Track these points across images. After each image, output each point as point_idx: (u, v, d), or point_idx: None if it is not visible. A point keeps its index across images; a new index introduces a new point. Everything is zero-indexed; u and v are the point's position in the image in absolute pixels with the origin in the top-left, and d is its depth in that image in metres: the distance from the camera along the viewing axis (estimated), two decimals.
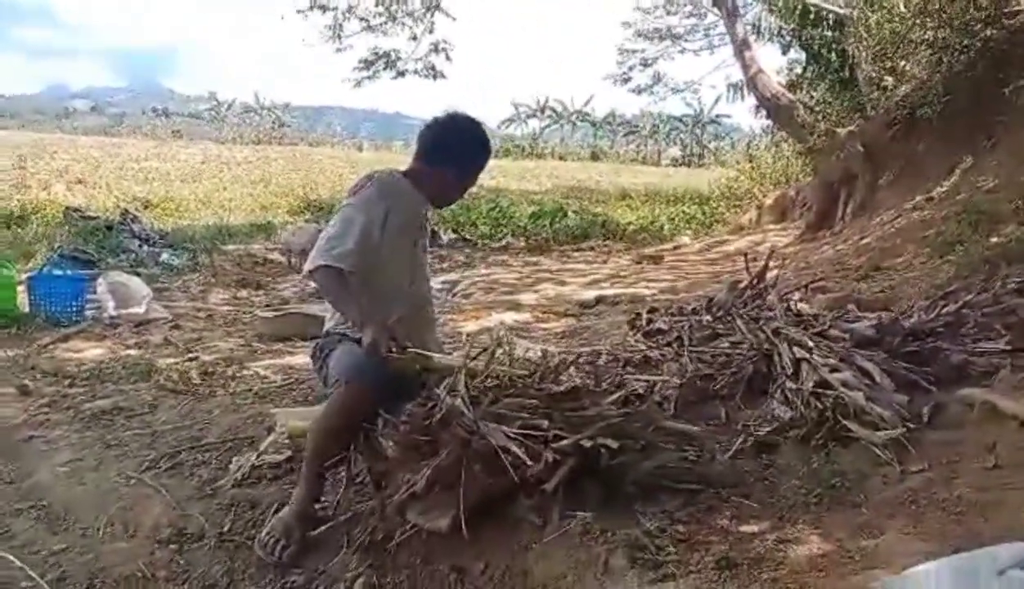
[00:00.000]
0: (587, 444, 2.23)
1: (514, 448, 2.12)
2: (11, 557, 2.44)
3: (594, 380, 2.88)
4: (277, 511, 2.61)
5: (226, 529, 2.65)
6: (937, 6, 8.86)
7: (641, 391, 3.11)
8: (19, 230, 11.03)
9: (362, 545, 2.37)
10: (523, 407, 2.34)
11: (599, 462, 2.26)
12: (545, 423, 2.26)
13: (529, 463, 2.13)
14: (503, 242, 12.64)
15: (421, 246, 2.87)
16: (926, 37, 9.25)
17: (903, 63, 10.33)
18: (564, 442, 2.24)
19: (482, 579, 2.13)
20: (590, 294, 7.46)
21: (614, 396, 2.63)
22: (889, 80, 10.73)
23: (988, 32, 8.34)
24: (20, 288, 6.21)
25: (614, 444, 2.24)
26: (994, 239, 5.35)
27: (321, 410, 2.68)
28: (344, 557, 2.39)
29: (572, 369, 2.85)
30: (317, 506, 2.62)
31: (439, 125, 2.85)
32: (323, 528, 2.50)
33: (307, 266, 2.61)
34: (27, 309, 6.04)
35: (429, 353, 2.57)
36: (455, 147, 2.79)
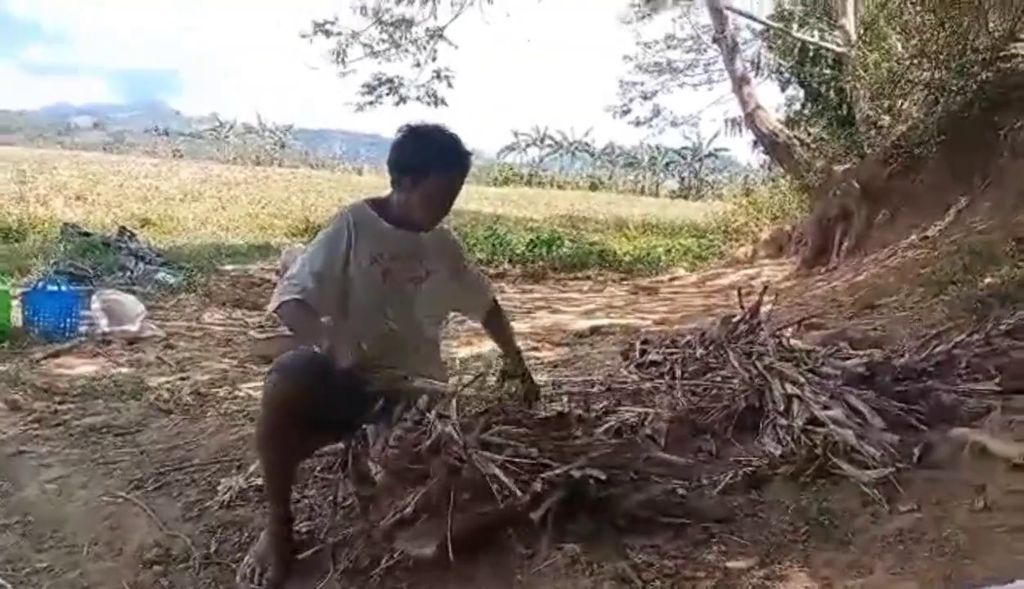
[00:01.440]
0: (576, 474, 2.23)
1: (503, 477, 2.11)
2: None
3: (584, 408, 2.86)
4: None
5: (212, 551, 2.62)
6: (934, 48, 8.99)
7: (632, 422, 3.11)
8: (16, 245, 11.04)
9: (348, 571, 2.35)
10: (512, 435, 2.34)
11: (588, 493, 2.25)
12: (534, 452, 2.26)
13: (518, 494, 2.13)
14: (499, 269, 12.65)
15: (401, 277, 2.69)
16: (923, 77, 9.37)
17: (900, 103, 10.45)
18: (554, 472, 2.24)
19: None
20: (585, 323, 7.47)
21: (605, 426, 2.63)
22: (886, 119, 10.85)
23: (984, 74, 8.45)
24: (14, 303, 6.20)
25: (602, 475, 2.23)
26: (988, 279, 5.38)
27: None
28: (328, 583, 2.37)
29: (564, 398, 2.85)
30: (292, 527, 2.57)
31: (393, 143, 2.73)
32: (308, 553, 2.47)
33: (271, 305, 2.60)
34: (20, 324, 6.03)
35: (417, 376, 2.55)
36: (406, 161, 2.66)
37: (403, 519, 2.25)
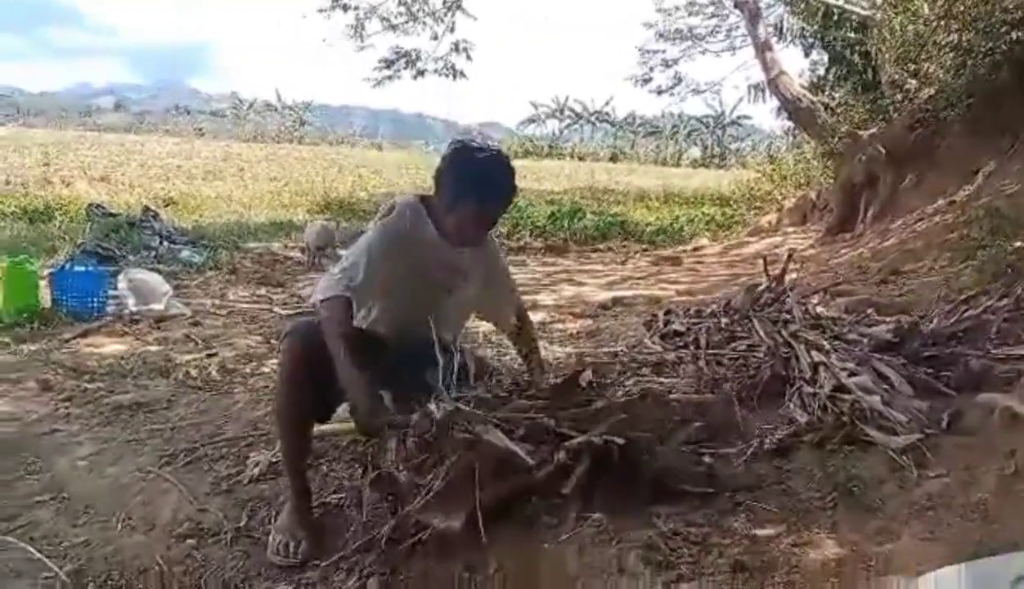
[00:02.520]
0: (597, 441, 2.23)
1: (517, 449, 2.11)
2: (31, 548, 2.48)
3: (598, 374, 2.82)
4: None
5: (242, 525, 2.67)
6: (962, 8, 8.79)
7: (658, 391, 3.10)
8: (43, 226, 11.16)
9: (377, 543, 2.38)
10: (526, 408, 2.33)
11: (611, 460, 2.25)
12: (552, 423, 2.26)
13: (532, 464, 2.13)
14: (520, 242, 12.63)
15: (439, 286, 2.69)
16: (950, 40, 9.18)
17: (927, 65, 10.25)
18: (575, 441, 2.24)
19: (494, 579, 2.13)
20: (607, 295, 7.46)
21: (622, 390, 2.62)
22: (912, 83, 10.66)
23: (1014, 35, 8.26)
24: (43, 283, 6.28)
25: (619, 440, 2.23)
26: (1017, 243, 5.30)
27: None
28: (359, 554, 2.40)
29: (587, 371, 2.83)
30: (311, 500, 2.64)
31: (443, 155, 2.72)
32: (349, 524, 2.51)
33: (315, 296, 2.59)
34: (49, 304, 6.11)
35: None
36: (445, 179, 2.64)
37: (429, 497, 2.25)
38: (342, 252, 4.55)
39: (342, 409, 2.76)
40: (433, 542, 2.23)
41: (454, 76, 16.90)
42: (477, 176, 2.61)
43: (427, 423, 2.27)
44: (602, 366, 2.94)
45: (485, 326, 4.50)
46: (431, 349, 2.43)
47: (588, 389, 2.62)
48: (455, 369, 2.41)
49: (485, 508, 2.13)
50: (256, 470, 3.00)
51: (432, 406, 2.30)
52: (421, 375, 2.40)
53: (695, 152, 51.70)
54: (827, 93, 13.27)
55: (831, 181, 12.78)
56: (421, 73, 16.99)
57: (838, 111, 12.42)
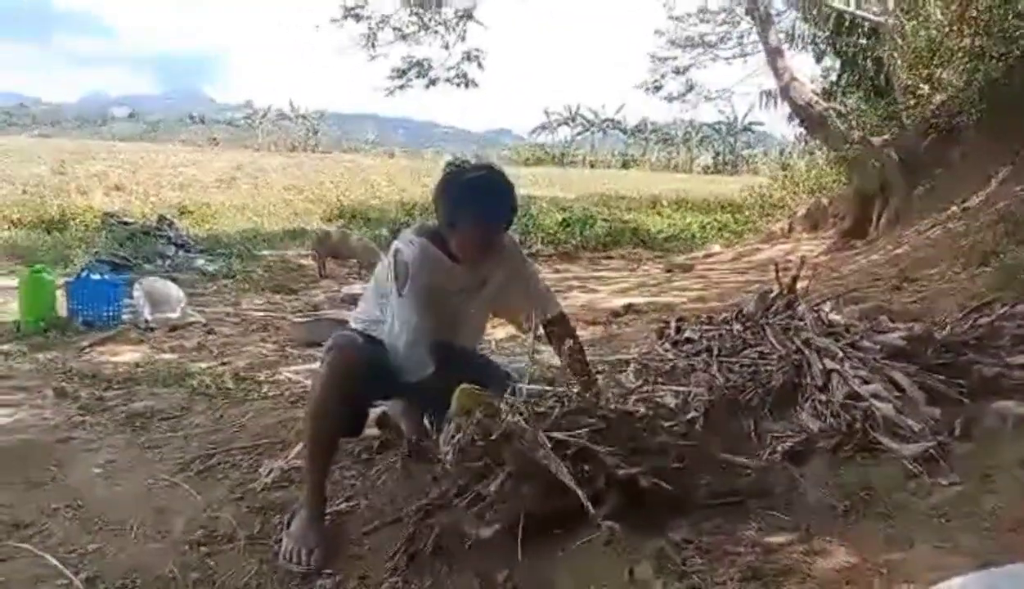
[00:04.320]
0: (644, 483, 2.21)
1: (571, 483, 2.11)
2: (47, 556, 2.49)
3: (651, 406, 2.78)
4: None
5: (256, 531, 2.68)
6: (975, 13, 8.76)
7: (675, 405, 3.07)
8: (59, 235, 11.27)
9: (394, 550, 2.39)
10: (579, 428, 2.33)
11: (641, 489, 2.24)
12: (603, 450, 2.26)
13: (587, 505, 2.12)
14: (532, 249, 12.65)
15: (463, 303, 2.83)
16: (963, 45, 9.15)
17: (939, 71, 10.22)
18: (623, 472, 2.23)
19: (505, 587, 2.14)
20: (619, 302, 7.45)
21: (670, 423, 2.60)
22: (925, 88, 10.62)
23: None
24: (59, 292, 6.34)
25: (669, 487, 2.22)
26: None
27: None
28: (374, 559, 2.41)
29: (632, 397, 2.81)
30: (326, 508, 2.65)
31: (437, 184, 2.76)
32: (368, 528, 2.54)
33: (412, 379, 2.67)
34: (65, 313, 6.16)
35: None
36: (442, 203, 2.72)
37: (470, 501, 2.26)
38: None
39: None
40: (450, 549, 2.25)
41: (466, 85, 16.94)
42: (470, 196, 2.67)
43: (490, 424, 2.29)
44: (659, 404, 2.89)
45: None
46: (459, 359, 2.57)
47: (642, 420, 2.60)
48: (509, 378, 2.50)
49: (515, 523, 2.14)
50: (269, 478, 3.01)
51: (503, 406, 2.32)
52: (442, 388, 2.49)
53: (707, 159, 51.57)
54: (839, 99, 13.23)
55: (844, 187, 12.75)
56: (433, 82, 17.04)
57: (850, 117, 12.38)
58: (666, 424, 2.57)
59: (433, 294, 2.70)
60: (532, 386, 2.55)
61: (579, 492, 2.11)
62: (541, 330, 3.02)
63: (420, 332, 2.66)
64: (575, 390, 2.65)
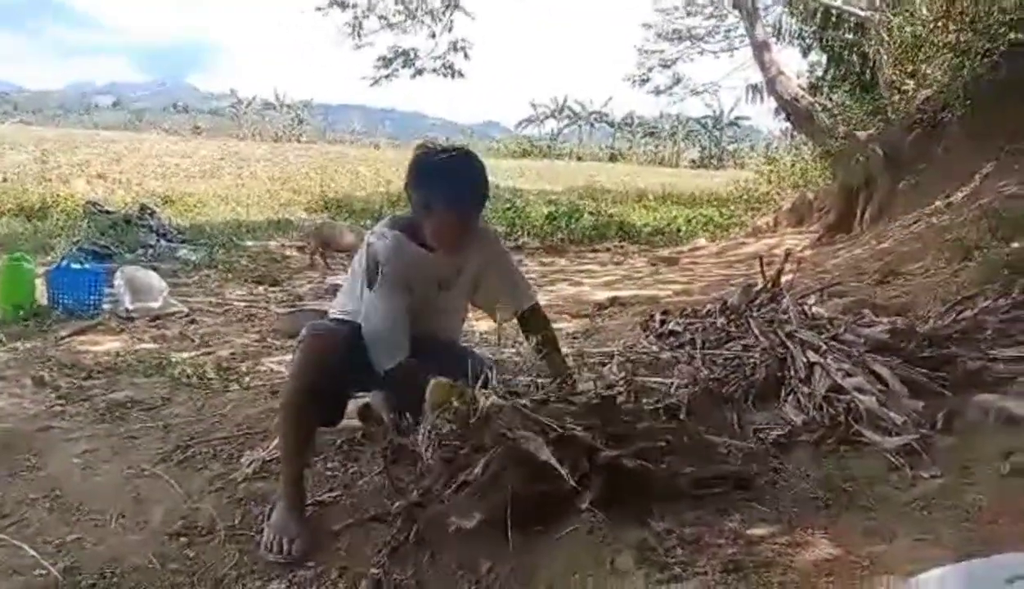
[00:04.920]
0: (630, 464, 2.21)
1: (557, 465, 2.09)
2: (25, 546, 2.47)
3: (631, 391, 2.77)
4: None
5: (237, 523, 2.66)
6: (960, 9, 8.80)
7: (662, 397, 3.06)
8: (39, 224, 11.15)
9: (375, 542, 2.38)
10: (560, 413, 2.32)
11: (625, 473, 2.23)
12: (588, 436, 2.24)
13: (572, 483, 2.11)
14: (518, 242, 12.63)
15: (439, 294, 2.81)
16: (948, 40, 9.20)
17: (925, 66, 10.27)
18: (606, 455, 2.22)
19: (488, 577, 2.13)
20: (605, 295, 7.45)
21: (651, 408, 2.60)
22: (910, 84, 10.68)
23: (1012, 35, 8.27)
24: (39, 281, 6.27)
25: (652, 466, 2.22)
26: (1014, 245, 5.29)
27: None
28: (355, 551, 2.40)
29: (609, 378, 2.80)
30: (305, 498, 2.63)
31: (409, 163, 2.70)
32: (345, 522, 2.52)
33: (386, 366, 2.61)
34: (45, 302, 6.10)
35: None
36: (414, 186, 2.67)
37: (453, 490, 2.24)
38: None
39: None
40: (433, 540, 2.24)
41: (452, 75, 16.87)
42: (444, 179, 2.62)
43: (467, 411, 2.27)
44: (643, 387, 2.87)
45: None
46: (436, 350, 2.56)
47: (625, 404, 2.58)
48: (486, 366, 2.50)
49: (500, 512, 2.13)
50: (250, 468, 2.98)
51: (478, 393, 2.29)
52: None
53: (693, 153, 51.67)
54: (825, 94, 13.29)
55: (829, 182, 12.80)
56: (419, 72, 16.96)
57: (836, 112, 12.43)
58: (649, 408, 2.57)
59: (408, 286, 2.66)
60: (505, 376, 2.53)
61: (559, 469, 2.09)
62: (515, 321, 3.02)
63: (392, 318, 2.61)
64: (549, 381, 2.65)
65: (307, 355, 2.60)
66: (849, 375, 2.92)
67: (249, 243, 10.79)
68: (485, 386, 2.35)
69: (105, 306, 6.19)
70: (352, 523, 2.54)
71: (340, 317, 2.79)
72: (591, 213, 15.33)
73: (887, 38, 10.67)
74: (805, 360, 3.13)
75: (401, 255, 2.66)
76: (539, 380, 2.60)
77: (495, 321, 3.13)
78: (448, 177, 2.63)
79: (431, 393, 2.40)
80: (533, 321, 3.02)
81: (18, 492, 2.89)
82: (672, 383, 3.19)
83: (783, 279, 4.27)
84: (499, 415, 2.23)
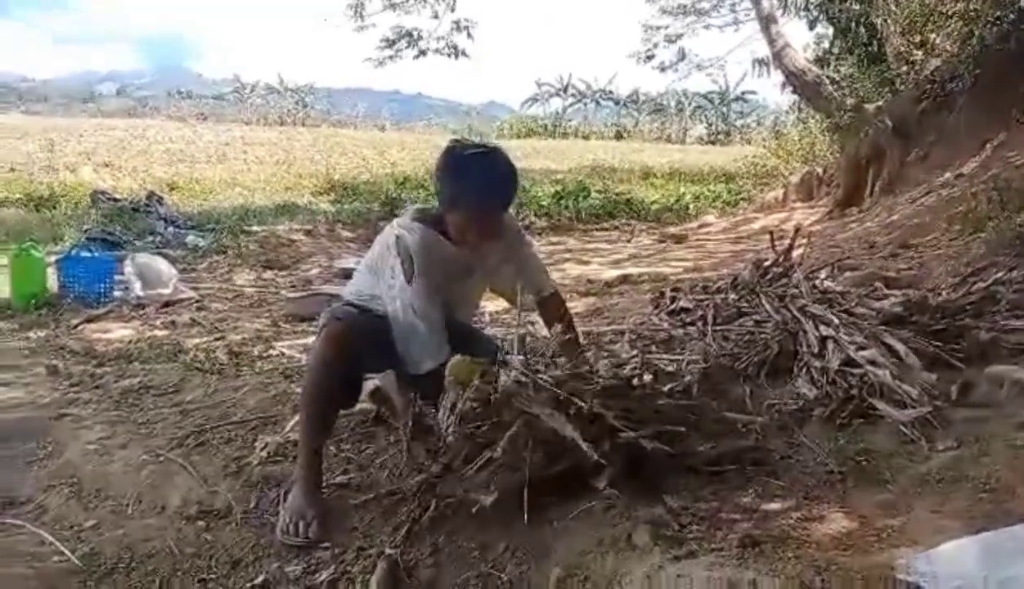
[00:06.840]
0: (647, 446, 2.21)
1: (579, 440, 2.10)
2: (43, 533, 2.49)
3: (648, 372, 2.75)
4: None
5: (252, 506, 2.67)
6: None
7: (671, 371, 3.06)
8: (48, 213, 11.17)
9: (393, 520, 2.39)
10: (582, 392, 2.31)
11: (644, 452, 2.24)
12: (609, 415, 2.24)
13: (594, 457, 2.11)
14: (526, 222, 12.58)
15: (464, 282, 2.82)
16: (957, 9, 9.10)
17: (933, 36, 10.17)
18: (626, 435, 2.22)
19: (505, 556, 2.14)
20: (613, 273, 7.44)
21: (669, 387, 2.60)
22: (919, 54, 10.57)
23: (1022, 3, 8.17)
24: (49, 270, 6.29)
25: (670, 450, 2.23)
26: None
27: None
28: (372, 532, 2.41)
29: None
30: (322, 480, 2.65)
31: (438, 161, 2.68)
32: (361, 499, 2.55)
33: (426, 367, 2.60)
34: (56, 291, 6.12)
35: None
36: (441, 182, 2.68)
37: (476, 467, 2.26)
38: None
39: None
40: (449, 518, 2.25)
41: (455, 55, 16.76)
42: (474, 180, 2.61)
43: (489, 388, 2.28)
44: (656, 366, 2.87)
45: None
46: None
47: (641, 387, 2.57)
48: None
49: (517, 489, 2.14)
50: (265, 452, 3.00)
51: (499, 370, 2.31)
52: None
53: (700, 129, 51.27)
54: (832, 66, 13.15)
55: (837, 156, 12.70)
56: (423, 53, 16.86)
57: (844, 84, 12.31)
58: (664, 388, 2.57)
59: (438, 283, 2.67)
60: (520, 357, 2.53)
61: (584, 446, 2.10)
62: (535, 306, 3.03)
63: (431, 320, 2.62)
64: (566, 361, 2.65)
65: (329, 339, 2.60)
66: (862, 348, 2.91)
67: (257, 228, 10.78)
68: (505, 365, 2.36)
69: (116, 294, 6.22)
70: (370, 499, 2.55)
71: (358, 303, 2.79)
72: (598, 192, 15.25)
73: (895, 8, 10.57)
74: (818, 334, 3.12)
75: (433, 252, 2.66)
76: (556, 359, 2.60)
77: (512, 305, 3.13)
78: (477, 176, 2.62)
79: (452, 371, 2.41)
80: (553, 309, 3.04)
81: (36, 480, 2.92)
82: (684, 360, 3.19)
83: (794, 254, 4.25)
84: (520, 392, 2.23)
